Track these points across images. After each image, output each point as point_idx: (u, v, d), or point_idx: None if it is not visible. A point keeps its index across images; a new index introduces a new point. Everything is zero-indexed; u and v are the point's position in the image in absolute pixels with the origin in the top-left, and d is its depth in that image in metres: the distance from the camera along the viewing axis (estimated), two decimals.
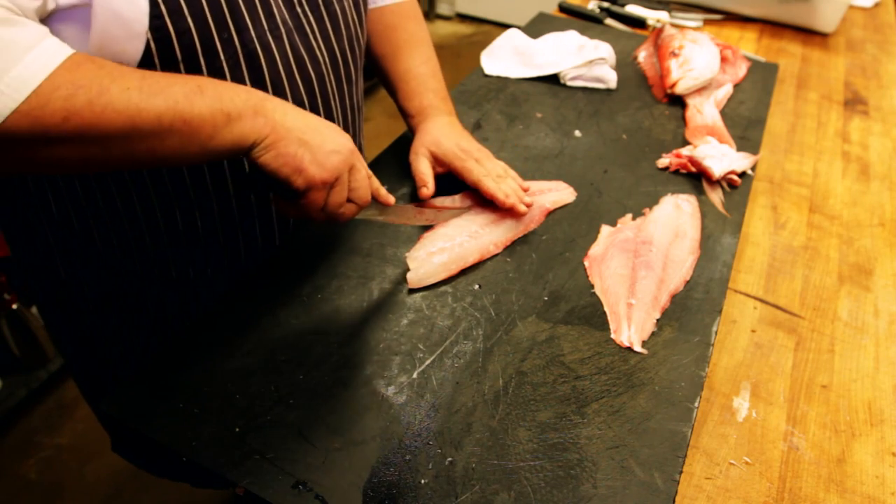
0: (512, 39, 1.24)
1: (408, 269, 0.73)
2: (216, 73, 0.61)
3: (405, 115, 0.88)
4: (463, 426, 0.59)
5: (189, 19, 0.57)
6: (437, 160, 0.83)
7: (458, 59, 3.40)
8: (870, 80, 1.36)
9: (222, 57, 0.61)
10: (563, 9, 1.53)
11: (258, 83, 0.65)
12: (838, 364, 0.74)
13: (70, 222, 0.71)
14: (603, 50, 1.15)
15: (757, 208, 0.96)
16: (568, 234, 0.82)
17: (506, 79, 1.17)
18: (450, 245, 0.76)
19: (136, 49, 0.56)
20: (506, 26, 1.41)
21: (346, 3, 0.74)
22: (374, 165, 0.93)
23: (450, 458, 0.56)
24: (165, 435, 0.57)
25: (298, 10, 0.69)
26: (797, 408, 0.69)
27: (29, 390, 1.60)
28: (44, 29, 0.48)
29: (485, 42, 1.30)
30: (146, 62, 0.57)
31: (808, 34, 1.53)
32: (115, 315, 0.80)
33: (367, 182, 0.63)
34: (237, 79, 0.63)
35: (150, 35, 0.56)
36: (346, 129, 0.80)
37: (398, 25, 0.89)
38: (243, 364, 0.64)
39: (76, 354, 0.88)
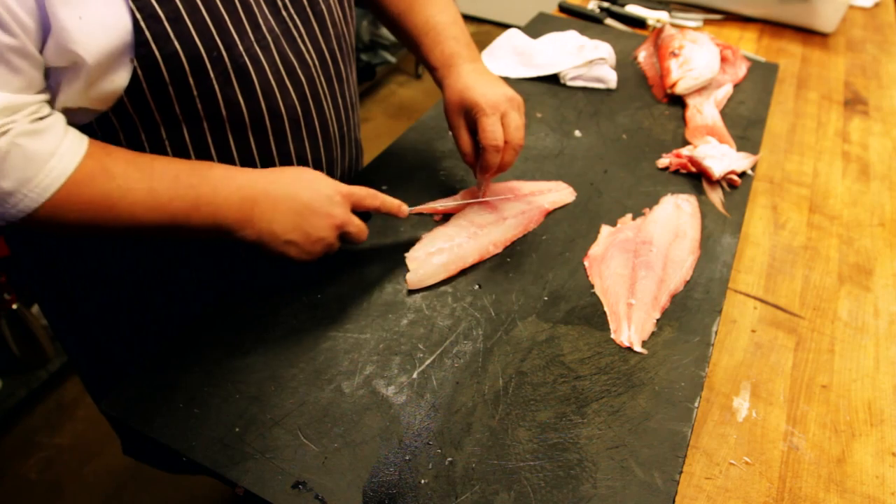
0: (512, 39, 1.24)
1: (407, 270, 0.73)
2: (206, 90, 0.61)
3: (430, 69, 0.83)
4: (463, 426, 0.59)
5: (176, 42, 0.57)
6: (466, 117, 0.76)
7: None
8: (870, 80, 1.36)
9: (212, 75, 0.61)
10: (563, 9, 1.53)
11: (250, 96, 0.65)
12: (838, 364, 0.74)
13: None
14: (603, 50, 1.15)
15: (757, 208, 0.96)
16: (568, 234, 0.82)
17: (506, 79, 1.17)
18: (449, 245, 0.76)
19: (123, 78, 0.56)
20: (506, 26, 1.41)
21: (331, 2, 0.73)
22: (375, 166, 0.93)
23: (450, 458, 0.56)
24: (165, 435, 0.57)
25: (284, 14, 0.68)
26: (797, 408, 0.69)
27: (29, 390, 1.60)
28: (62, 130, 0.55)
29: (485, 42, 1.30)
30: (134, 87, 0.57)
31: (808, 34, 1.53)
32: (118, 315, 0.80)
33: (358, 233, 0.67)
34: (228, 94, 0.63)
35: (136, 63, 0.56)
36: (339, 127, 0.80)
37: None
38: (243, 364, 0.64)
39: (82, 355, 0.88)
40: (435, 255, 0.74)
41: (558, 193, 0.88)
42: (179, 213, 0.58)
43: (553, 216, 0.85)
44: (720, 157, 0.93)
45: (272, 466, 0.55)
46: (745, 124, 1.09)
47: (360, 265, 0.75)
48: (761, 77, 1.24)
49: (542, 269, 0.76)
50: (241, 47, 0.62)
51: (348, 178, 0.89)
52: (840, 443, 0.66)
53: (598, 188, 0.91)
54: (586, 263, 0.77)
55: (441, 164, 0.93)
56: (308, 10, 0.70)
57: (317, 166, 0.78)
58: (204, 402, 0.60)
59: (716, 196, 0.90)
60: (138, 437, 0.57)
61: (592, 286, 0.75)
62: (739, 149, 1.00)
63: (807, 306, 0.81)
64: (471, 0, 3.77)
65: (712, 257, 0.80)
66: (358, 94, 0.87)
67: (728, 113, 1.11)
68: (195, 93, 0.61)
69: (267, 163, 0.72)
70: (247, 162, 0.70)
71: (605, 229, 0.83)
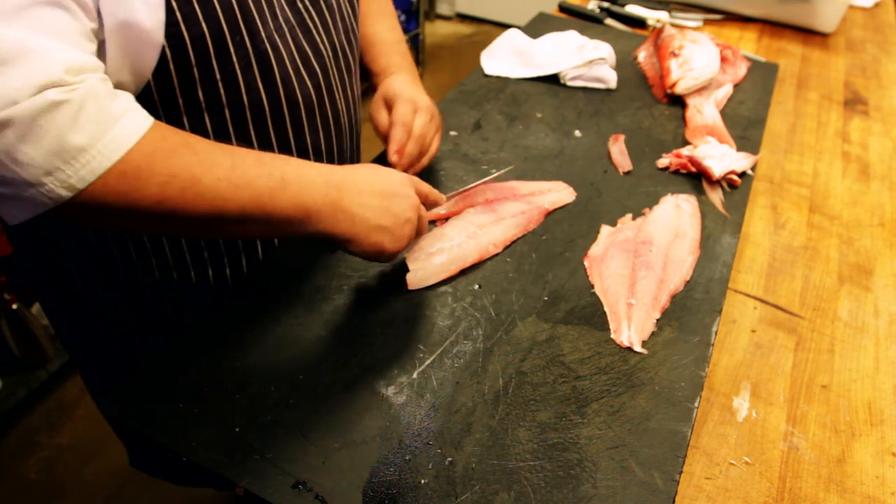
0: (512, 39, 1.24)
1: (407, 270, 0.73)
2: (228, 75, 0.62)
3: (371, 74, 0.89)
4: (463, 426, 0.59)
5: (203, 24, 0.58)
6: (388, 107, 0.82)
7: (458, 59, 3.40)
8: (870, 80, 1.36)
9: (234, 59, 0.62)
10: (563, 9, 1.53)
11: (269, 83, 0.66)
12: (838, 364, 0.74)
13: (73, 226, 0.72)
14: (603, 50, 1.15)
15: (757, 208, 0.96)
16: (568, 234, 0.82)
17: (506, 79, 1.17)
18: (448, 245, 0.76)
19: (153, 57, 0.57)
20: (506, 26, 1.41)
21: None
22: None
23: (450, 458, 0.56)
24: (165, 435, 0.57)
25: (300, 5, 0.70)
26: (797, 408, 0.69)
27: (29, 390, 1.60)
28: (132, 97, 0.51)
29: (485, 42, 1.30)
30: (161, 67, 0.58)
31: (808, 34, 1.53)
32: (121, 313, 0.80)
33: (435, 196, 0.69)
34: (249, 79, 0.64)
35: (165, 43, 0.56)
36: (349, 119, 0.82)
37: None
38: (243, 364, 0.64)
39: (83, 353, 0.88)
40: (435, 256, 0.74)
41: (558, 193, 0.88)
42: (265, 191, 0.53)
43: (553, 216, 0.85)
44: (720, 157, 0.93)
45: (272, 466, 0.55)
46: (745, 124, 1.09)
47: (360, 265, 0.75)
48: (761, 77, 1.24)
49: (542, 269, 0.76)
50: (262, 33, 0.64)
51: None
52: (840, 443, 0.66)
53: (598, 188, 0.91)
54: (586, 263, 0.77)
55: (441, 164, 0.93)
56: (321, 2, 0.72)
57: (329, 157, 0.80)
58: (204, 402, 0.60)
59: (716, 196, 0.90)
60: (145, 446, 0.57)
61: (592, 286, 0.75)
62: (739, 149, 1.00)
63: (807, 306, 0.81)
64: (471, 0, 3.77)
65: (712, 257, 0.80)
66: (360, 92, 0.90)
67: (728, 113, 1.11)
68: (218, 76, 0.61)
69: (286, 154, 0.72)
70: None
71: (605, 229, 0.83)
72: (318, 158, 0.78)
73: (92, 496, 1.48)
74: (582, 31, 1.29)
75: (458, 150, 0.97)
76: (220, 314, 0.69)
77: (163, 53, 0.57)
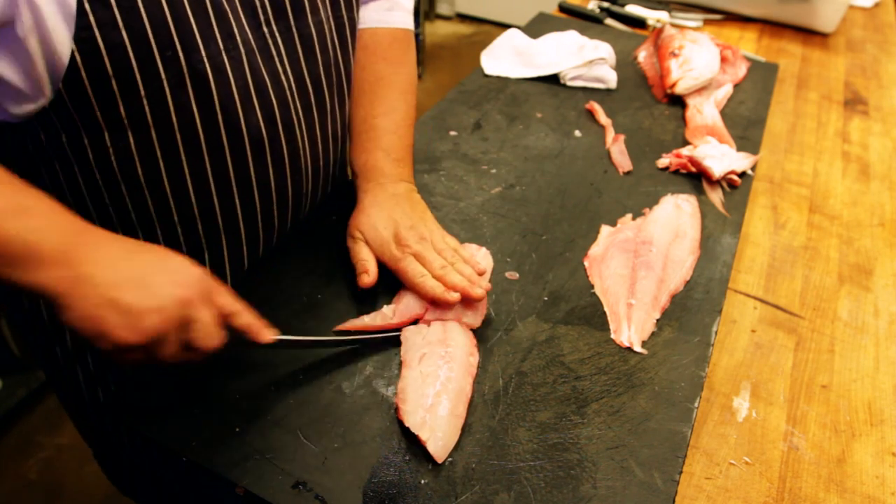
0: (512, 39, 1.24)
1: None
2: (156, 92, 0.56)
3: (352, 169, 0.79)
4: (463, 426, 0.59)
5: (124, 33, 0.52)
6: (372, 250, 0.71)
7: (458, 59, 3.40)
8: (870, 80, 1.37)
9: (163, 76, 0.56)
10: (563, 9, 1.53)
11: (206, 107, 0.60)
12: (838, 364, 0.74)
13: None
14: (603, 50, 1.15)
15: (757, 208, 0.96)
16: (568, 234, 0.82)
17: (506, 79, 1.17)
18: (440, 385, 0.60)
19: (65, 56, 0.51)
20: (506, 26, 1.41)
21: (325, 26, 0.69)
22: None
23: (450, 458, 0.56)
24: (165, 435, 0.57)
25: (265, 30, 0.64)
26: (797, 408, 0.69)
27: (29, 390, 1.60)
28: None
29: (485, 42, 1.30)
30: (73, 78, 0.52)
31: (808, 34, 1.53)
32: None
33: (208, 331, 0.52)
34: (182, 99, 0.58)
35: (74, 47, 0.51)
36: (314, 160, 0.73)
37: (367, 64, 0.80)
38: (243, 364, 0.63)
39: (54, 376, 0.83)
40: (437, 407, 0.58)
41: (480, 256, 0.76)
42: None
43: (553, 216, 0.85)
44: (720, 157, 0.94)
45: (272, 466, 0.55)
46: (745, 124, 1.09)
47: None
48: (761, 77, 1.24)
49: (542, 269, 0.76)
50: (203, 52, 0.58)
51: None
52: (840, 443, 0.66)
53: (598, 188, 0.91)
54: (586, 263, 0.77)
55: (441, 165, 0.93)
56: (294, 30, 0.66)
57: (281, 197, 0.72)
58: (204, 402, 0.60)
59: (716, 196, 0.90)
60: (124, 467, 0.55)
61: (592, 286, 0.75)
62: (739, 149, 1.00)
63: (807, 306, 0.81)
64: (471, 0, 3.77)
65: (712, 257, 0.80)
66: (347, 130, 0.80)
67: (728, 113, 1.11)
68: (143, 93, 0.56)
69: (224, 187, 0.66)
70: (201, 183, 0.64)
71: (605, 229, 0.83)
72: (265, 196, 0.70)
73: (92, 496, 1.48)
74: (582, 31, 1.29)
75: (458, 150, 0.97)
76: None
77: (73, 60, 0.51)
